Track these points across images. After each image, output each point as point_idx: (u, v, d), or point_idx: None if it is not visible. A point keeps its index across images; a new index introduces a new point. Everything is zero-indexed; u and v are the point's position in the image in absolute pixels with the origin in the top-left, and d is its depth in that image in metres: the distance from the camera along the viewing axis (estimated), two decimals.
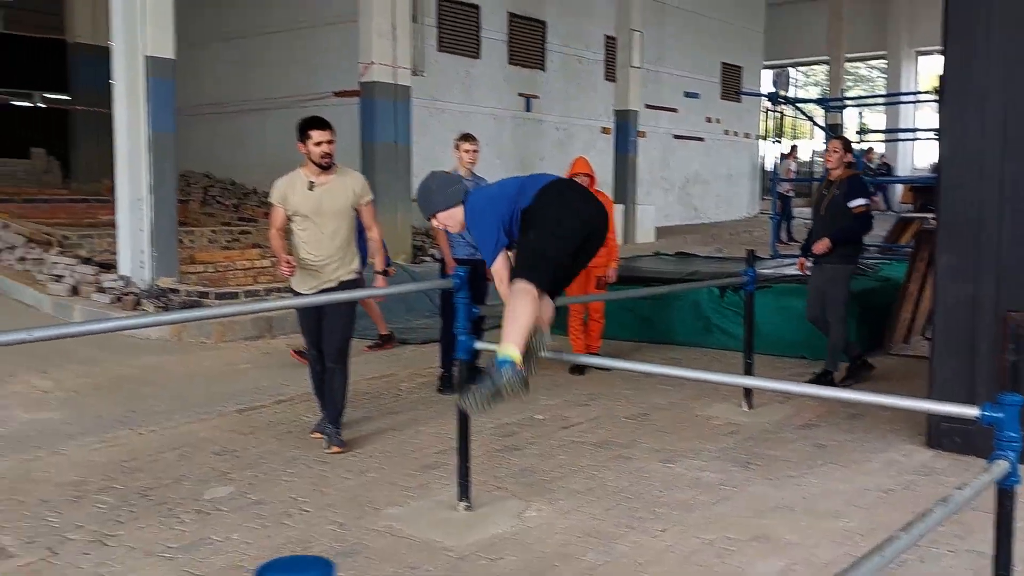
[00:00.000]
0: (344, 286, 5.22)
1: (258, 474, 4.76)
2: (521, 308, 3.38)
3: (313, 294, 5.14)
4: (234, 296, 9.47)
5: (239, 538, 3.88)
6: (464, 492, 4.15)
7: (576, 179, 7.10)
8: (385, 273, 5.87)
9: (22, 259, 10.54)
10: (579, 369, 7.04)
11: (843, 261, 6.49)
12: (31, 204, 13.45)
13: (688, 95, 22.36)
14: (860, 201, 6.44)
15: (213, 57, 17.38)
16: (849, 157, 6.70)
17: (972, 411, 2.78)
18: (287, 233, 5.21)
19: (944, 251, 4.96)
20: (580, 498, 4.33)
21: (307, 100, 15.63)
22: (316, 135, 5.00)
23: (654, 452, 5.09)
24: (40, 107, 19.73)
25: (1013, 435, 2.70)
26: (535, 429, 5.58)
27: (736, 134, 24.48)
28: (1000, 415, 2.71)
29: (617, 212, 17.16)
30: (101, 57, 13.56)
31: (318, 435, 5.31)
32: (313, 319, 5.22)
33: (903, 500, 4.20)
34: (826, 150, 6.78)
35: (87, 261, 10.12)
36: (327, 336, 5.21)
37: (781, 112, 19.07)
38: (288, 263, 5.02)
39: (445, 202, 3.86)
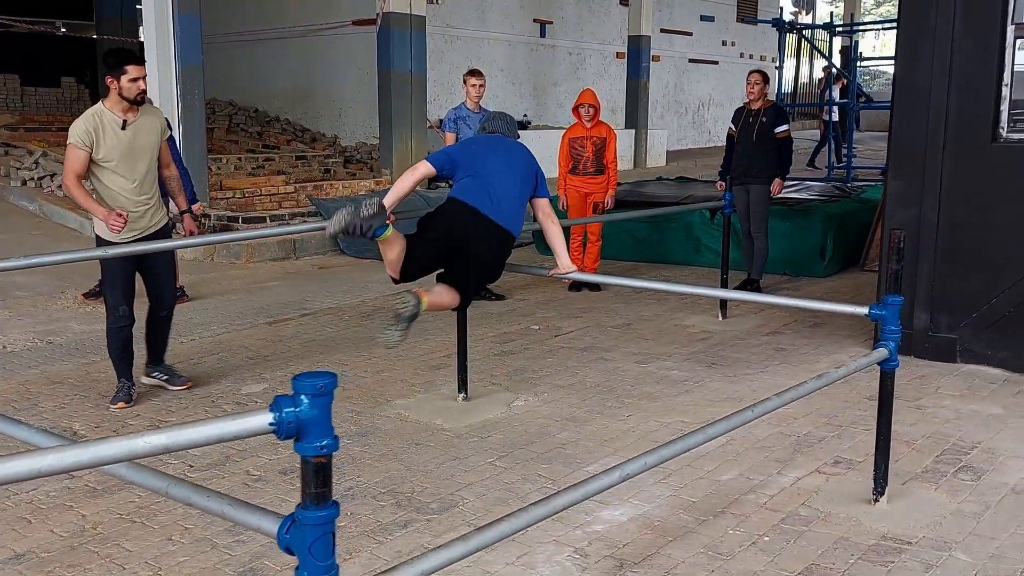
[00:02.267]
0: (162, 232, 5.00)
1: (287, 374, 5.50)
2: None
3: (132, 240, 4.81)
4: (261, 220, 10.17)
5: None
6: (462, 385, 4.88)
7: (581, 108, 7.70)
8: (191, 211, 5.34)
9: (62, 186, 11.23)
10: (576, 287, 7.70)
11: (766, 182, 7.32)
12: (65, 132, 14.09)
13: (703, 18, 22.46)
14: (784, 127, 7.31)
15: None
16: (767, 88, 7.46)
17: (862, 310, 3.40)
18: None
19: (893, 178, 5.53)
20: (562, 391, 5.04)
21: (325, 28, 16.03)
22: (133, 70, 4.65)
23: (632, 355, 5.78)
24: (67, 35, 20.17)
25: (894, 328, 3.34)
26: (530, 337, 6.28)
27: (751, 57, 24.56)
28: (884, 312, 3.34)
29: (627, 137, 17.66)
30: None
31: (123, 404, 4.88)
32: (131, 272, 4.89)
33: (838, 391, 4.86)
34: (748, 81, 7.36)
35: None
36: (159, 288, 5.10)
37: (799, 35, 19.09)
38: (118, 214, 4.65)
39: None
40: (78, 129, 4.67)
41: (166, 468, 4.03)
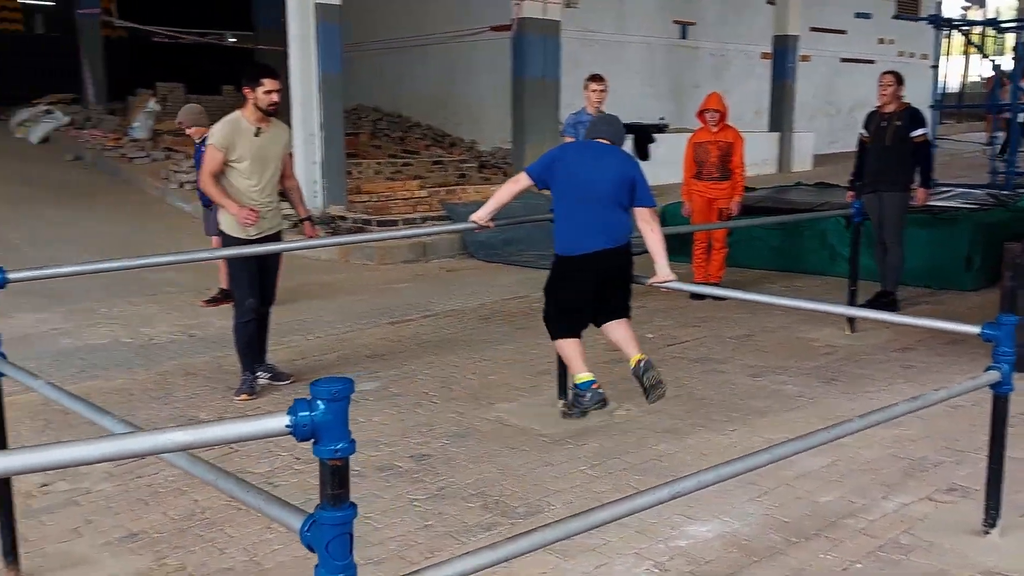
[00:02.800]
0: (279, 235, 5.37)
1: (400, 373, 5.65)
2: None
3: (258, 239, 5.14)
4: (393, 223, 10.47)
5: (379, 420, 4.77)
6: (562, 391, 4.87)
7: (706, 113, 7.56)
8: (310, 218, 5.72)
9: None
10: (699, 295, 7.54)
11: (901, 189, 6.92)
12: None
13: (859, 15, 21.52)
14: (922, 131, 6.88)
15: None
16: (902, 90, 7.00)
17: (974, 329, 3.19)
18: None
19: None
20: (667, 402, 4.93)
21: (465, 35, 16.35)
22: (268, 83, 4.98)
23: (747, 367, 5.62)
24: (229, 45, 21.43)
25: (1007, 350, 3.12)
26: (643, 345, 6.17)
27: (912, 55, 23.33)
28: (997, 333, 3.12)
29: (771, 140, 17.15)
30: None
31: (246, 396, 5.18)
32: (255, 269, 5.19)
33: (966, 414, 4.56)
34: (879, 83, 6.95)
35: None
36: (268, 284, 5.35)
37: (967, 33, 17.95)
38: (252, 210, 5.00)
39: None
40: (218, 133, 5.04)
41: (280, 457, 4.23)
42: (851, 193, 7.29)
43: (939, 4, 12.96)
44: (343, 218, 10.53)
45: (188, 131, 7.62)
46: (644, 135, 14.47)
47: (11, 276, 3.11)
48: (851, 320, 6.42)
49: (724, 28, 18.70)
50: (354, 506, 1.59)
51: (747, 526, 3.49)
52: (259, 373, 5.43)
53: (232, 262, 5.26)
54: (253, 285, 5.21)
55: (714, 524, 3.50)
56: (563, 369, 4.89)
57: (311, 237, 5.71)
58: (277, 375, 5.48)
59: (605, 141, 4.65)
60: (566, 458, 4.20)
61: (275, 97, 5.05)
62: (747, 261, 8.80)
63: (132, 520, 3.65)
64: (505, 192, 4.61)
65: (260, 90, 5.00)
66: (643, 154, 14.31)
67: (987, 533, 3.32)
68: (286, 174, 5.43)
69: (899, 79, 7.01)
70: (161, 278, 8.50)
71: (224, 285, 7.45)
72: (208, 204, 5.49)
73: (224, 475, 1.81)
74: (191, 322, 7.17)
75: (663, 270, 4.42)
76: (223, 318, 7.23)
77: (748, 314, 7.04)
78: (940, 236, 7.76)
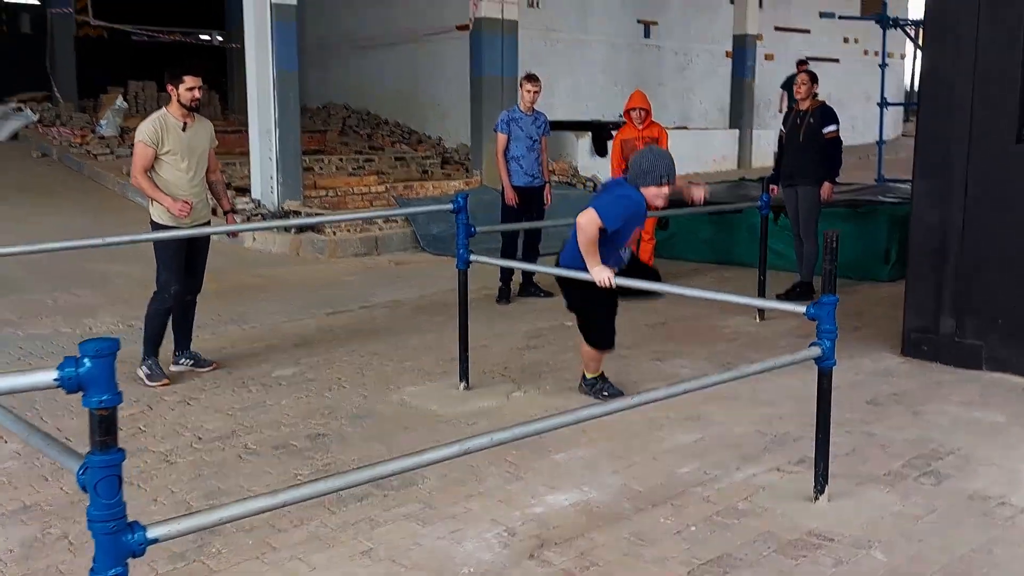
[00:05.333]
0: (206, 225, 5.63)
1: (320, 360, 5.89)
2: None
3: (188, 228, 5.38)
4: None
5: (286, 403, 5.01)
6: (464, 375, 5.12)
7: (632, 112, 7.81)
8: (234, 210, 6.16)
9: None
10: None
11: (814, 184, 7.19)
12: None
13: (823, 15, 21.79)
14: (832, 127, 7.15)
15: None
16: (816, 88, 7.25)
17: (800, 308, 3.44)
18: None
19: (920, 177, 5.41)
20: (564, 385, 5.21)
21: (432, 33, 16.58)
22: (189, 80, 5.27)
23: (652, 353, 5.88)
24: (202, 44, 21.62)
25: (829, 328, 3.37)
26: (559, 333, 6.44)
27: (876, 54, 23.62)
28: (819, 312, 3.38)
29: (730, 137, 17.43)
30: None
31: (166, 382, 5.37)
32: (183, 257, 5.47)
33: (842, 396, 4.80)
34: (795, 82, 7.24)
35: (228, 185, 11.57)
36: (197, 272, 5.67)
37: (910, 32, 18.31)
38: (186, 201, 5.27)
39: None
40: (146, 129, 5.28)
41: (183, 436, 4.46)
42: (773, 187, 7.55)
43: (885, 4, 13.17)
44: (297, 213, 10.75)
45: None
46: (603, 132, 14.78)
47: None
48: (760, 309, 6.68)
49: (687, 27, 18.96)
50: (122, 451, 1.82)
51: (604, 495, 3.73)
52: (183, 360, 5.66)
53: (162, 250, 5.45)
54: (180, 272, 5.45)
55: (573, 494, 3.75)
56: (463, 353, 5.14)
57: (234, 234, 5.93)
58: (199, 362, 5.69)
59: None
60: (455, 436, 4.42)
61: (197, 93, 5.33)
62: (683, 253, 9.07)
63: (29, 495, 3.88)
64: (590, 242, 4.47)
65: (182, 87, 5.28)
66: (601, 150, 14.62)
67: (816, 500, 3.57)
68: (211, 167, 5.69)
69: (813, 78, 7.28)
70: (111, 270, 8.72)
71: None
72: None
73: (21, 423, 2.06)
74: (135, 313, 7.37)
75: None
76: None
77: (668, 303, 7.27)
78: (859, 229, 8.04)
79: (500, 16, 13.15)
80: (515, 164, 7.57)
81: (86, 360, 1.75)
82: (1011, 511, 3.52)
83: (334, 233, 10.29)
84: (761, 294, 6.85)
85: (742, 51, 17.36)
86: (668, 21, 18.58)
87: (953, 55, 5.17)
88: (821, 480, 3.57)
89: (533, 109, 7.66)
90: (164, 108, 5.44)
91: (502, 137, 7.56)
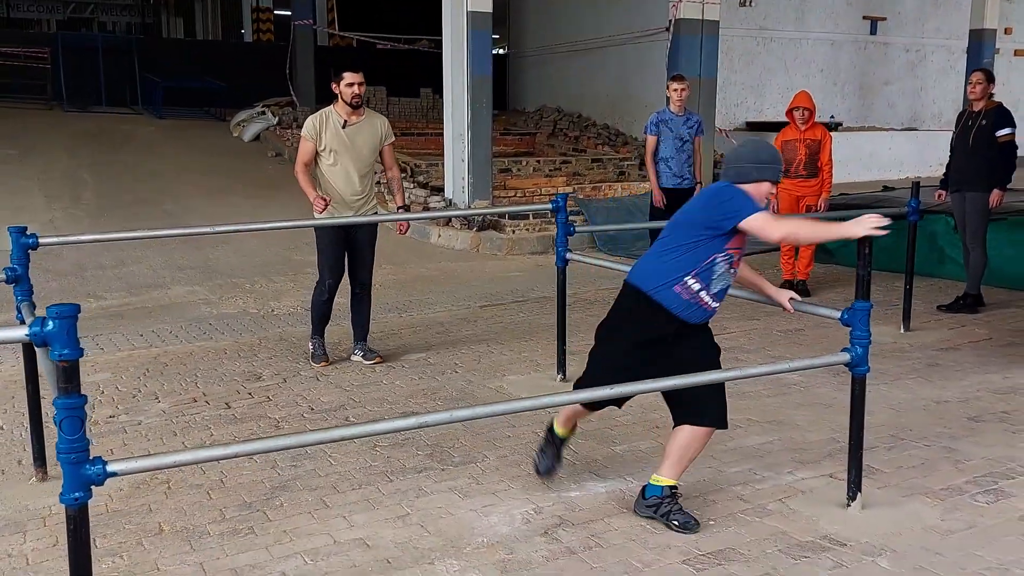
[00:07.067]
0: (371, 224, 5.73)
1: (448, 347, 6.30)
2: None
3: (347, 224, 5.54)
4: (525, 217, 11.12)
5: (399, 384, 5.45)
6: (561, 366, 5.33)
7: (795, 112, 7.63)
8: (406, 208, 6.20)
9: (377, 182, 13.13)
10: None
11: (983, 189, 6.64)
12: (408, 136, 16.28)
13: None
14: (1007, 130, 6.52)
15: None
16: (991, 88, 6.53)
17: (835, 313, 3.37)
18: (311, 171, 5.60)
19: None
20: None
21: (642, 36, 16.68)
22: (349, 77, 5.43)
23: (768, 357, 5.77)
24: (424, 51, 22.89)
25: (861, 334, 3.31)
26: None
27: None
28: (852, 318, 3.32)
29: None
30: None
31: (324, 363, 5.76)
32: (341, 252, 5.71)
33: (946, 410, 4.55)
34: (969, 82, 6.63)
35: (424, 185, 12.40)
36: (359, 267, 5.81)
37: None
38: (321, 198, 5.45)
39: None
40: (307, 124, 5.60)
41: (299, 407, 5.02)
42: (940, 192, 7.10)
43: None
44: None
45: None
46: None
47: (42, 241, 4.00)
48: (907, 317, 6.34)
49: (921, 23, 17.76)
50: (84, 397, 2.25)
51: (641, 485, 3.82)
52: (356, 351, 5.96)
53: (319, 241, 5.76)
54: (335, 266, 5.77)
55: (614, 483, 3.88)
56: (561, 346, 5.35)
57: (402, 229, 6.20)
58: (367, 354, 5.92)
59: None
60: (529, 421, 4.67)
61: (357, 89, 5.47)
62: (850, 260, 8.64)
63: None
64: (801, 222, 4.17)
65: (343, 84, 5.46)
66: None
67: (848, 506, 3.47)
68: (386, 164, 5.89)
69: (989, 77, 6.75)
70: (308, 260, 9.66)
71: None
72: None
73: None
74: None
75: None
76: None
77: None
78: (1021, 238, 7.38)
79: (700, 17, 13.05)
80: (663, 165, 7.63)
81: (50, 321, 2.20)
82: None
83: (512, 232, 10.74)
84: (907, 303, 6.47)
85: (978, 46, 15.99)
86: (899, 16, 17.51)
87: None
88: (853, 487, 3.47)
89: (685, 109, 7.68)
90: (332, 105, 5.64)
91: (651, 139, 7.65)
